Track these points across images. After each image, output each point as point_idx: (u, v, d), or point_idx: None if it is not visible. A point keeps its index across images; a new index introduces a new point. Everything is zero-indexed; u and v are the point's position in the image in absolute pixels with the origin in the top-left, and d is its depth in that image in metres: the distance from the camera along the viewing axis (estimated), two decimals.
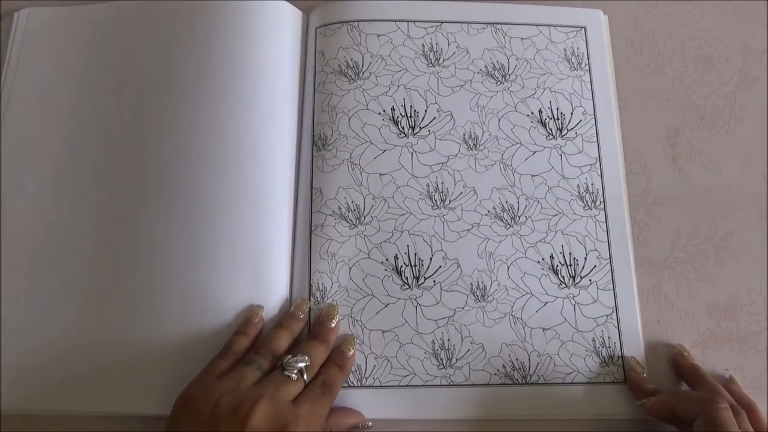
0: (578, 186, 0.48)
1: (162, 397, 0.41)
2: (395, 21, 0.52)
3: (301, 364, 0.38)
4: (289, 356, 0.39)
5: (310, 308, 0.44)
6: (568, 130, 0.50)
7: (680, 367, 0.44)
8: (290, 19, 0.52)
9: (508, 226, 0.47)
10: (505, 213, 0.47)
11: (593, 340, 0.44)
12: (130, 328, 0.43)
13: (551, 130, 0.49)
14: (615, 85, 0.52)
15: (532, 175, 0.48)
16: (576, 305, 0.45)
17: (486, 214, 0.47)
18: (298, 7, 0.52)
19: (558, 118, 0.50)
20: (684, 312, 0.46)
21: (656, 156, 0.51)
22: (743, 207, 0.49)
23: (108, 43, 0.51)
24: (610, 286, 0.46)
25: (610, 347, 0.44)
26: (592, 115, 0.50)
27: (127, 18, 0.51)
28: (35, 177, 0.47)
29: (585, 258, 0.46)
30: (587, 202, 0.48)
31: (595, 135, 0.50)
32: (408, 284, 0.45)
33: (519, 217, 0.47)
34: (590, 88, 0.51)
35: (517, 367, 0.44)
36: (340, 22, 0.52)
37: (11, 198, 0.46)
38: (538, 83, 0.51)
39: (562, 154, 0.49)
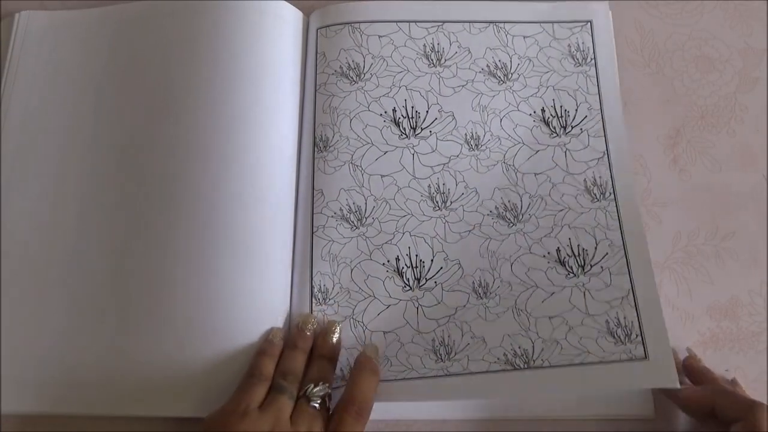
0: (585, 180, 0.47)
1: (162, 398, 0.41)
2: (396, 21, 0.52)
3: (323, 393, 0.40)
4: (311, 386, 0.40)
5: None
6: (572, 127, 0.49)
7: (691, 370, 0.44)
8: (290, 19, 0.52)
9: (511, 224, 0.46)
10: (507, 212, 0.47)
11: (606, 321, 0.42)
12: (130, 329, 0.43)
13: (554, 128, 0.49)
14: (620, 78, 0.51)
15: (536, 174, 0.48)
16: (586, 291, 0.44)
17: (488, 214, 0.47)
18: (298, 8, 0.52)
19: (562, 116, 0.49)
20: (684, 312, 0.47)
21: (656, 156, 0.51)
22: (743, 207, 0.50)
23: (107, 46, 0.51)
24: (625, 270, 0.44)
25: (626, 327, 0.42)
26: (599, 110, 0.49)
27: (127, 20, 0.51)
28: (37, 181, 0.47)
29: (595, 247, 0.45)
30: (595, 195, 0.47)
31: (601, 129, 0.49)
32: (409, 285, 0.45)
33: (522, 215, 0.47)
34: (596, 82, 0.50)
35: (519, 354, 0.42)
36: (341, 24, 0.52)
37: (13, 202, 0.46)
38: (540, 81, 0.50)
39: (567, 151, 0.48)
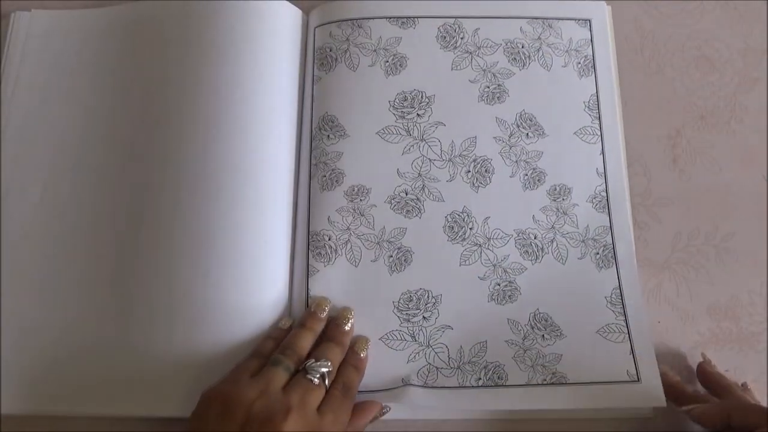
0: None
1: (163, 398, 0.41)
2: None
3: (324, 369, 0.39)
4: (312, 360, 0.40)
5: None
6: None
7: (705, 375, 0.43)
8: (290, 18, 0.51)
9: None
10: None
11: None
12: (130, 328, 0.43)
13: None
14: (618, 82, 0.51)
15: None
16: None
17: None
18: (298, 7, 0.52)
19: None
20: (684, 313, 0.47)
21: (657, 156, 0.51)
22: (743, 207, 0.50)
23: (108, 46, 0.51)
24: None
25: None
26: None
27: (126, 21, 0.51)
28: (37, 181, 0.47)
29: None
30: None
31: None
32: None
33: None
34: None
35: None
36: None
37: (14, 200, 0.46)
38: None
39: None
